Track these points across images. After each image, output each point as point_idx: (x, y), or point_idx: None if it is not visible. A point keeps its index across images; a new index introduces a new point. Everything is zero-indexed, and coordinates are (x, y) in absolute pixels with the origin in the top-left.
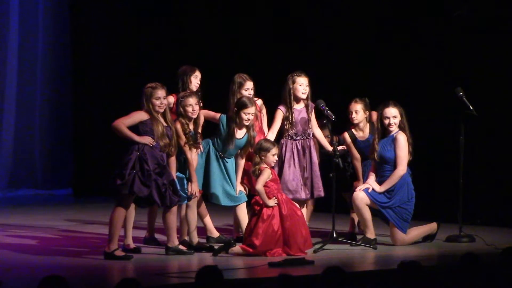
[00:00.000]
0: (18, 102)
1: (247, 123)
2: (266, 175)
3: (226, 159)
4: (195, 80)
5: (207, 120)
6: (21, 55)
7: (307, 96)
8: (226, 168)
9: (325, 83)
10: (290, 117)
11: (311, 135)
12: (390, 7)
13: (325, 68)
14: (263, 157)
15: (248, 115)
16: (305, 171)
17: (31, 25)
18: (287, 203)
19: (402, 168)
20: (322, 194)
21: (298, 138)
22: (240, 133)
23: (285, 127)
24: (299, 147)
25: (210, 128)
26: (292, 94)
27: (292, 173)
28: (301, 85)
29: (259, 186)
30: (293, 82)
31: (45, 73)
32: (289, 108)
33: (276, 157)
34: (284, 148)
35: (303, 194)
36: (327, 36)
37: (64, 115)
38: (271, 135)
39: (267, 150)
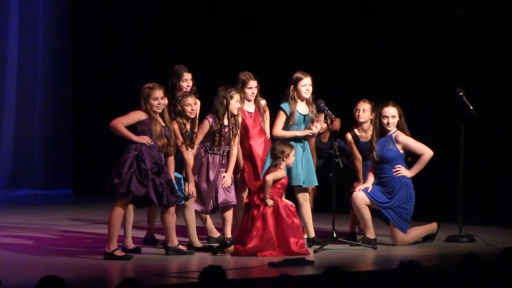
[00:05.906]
0: (18, 102)
1: (307, 95)
2: (280, 174)
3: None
4: (185, 84)
5: None
6: (21, 55)
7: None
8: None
9: (325, 84)
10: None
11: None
12: (390, 7)
13: (324, 69)
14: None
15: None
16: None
17: (31, 25)
18: (284, 208)
19: (427, 151)
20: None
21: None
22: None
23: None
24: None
25: None
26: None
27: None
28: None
29: (270, 177)
30: (231, 97)
31: (45, 73)
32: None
33: (290, 159)
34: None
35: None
36: (326, 36)
37: (64, 115)
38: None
39: (282, 153)
